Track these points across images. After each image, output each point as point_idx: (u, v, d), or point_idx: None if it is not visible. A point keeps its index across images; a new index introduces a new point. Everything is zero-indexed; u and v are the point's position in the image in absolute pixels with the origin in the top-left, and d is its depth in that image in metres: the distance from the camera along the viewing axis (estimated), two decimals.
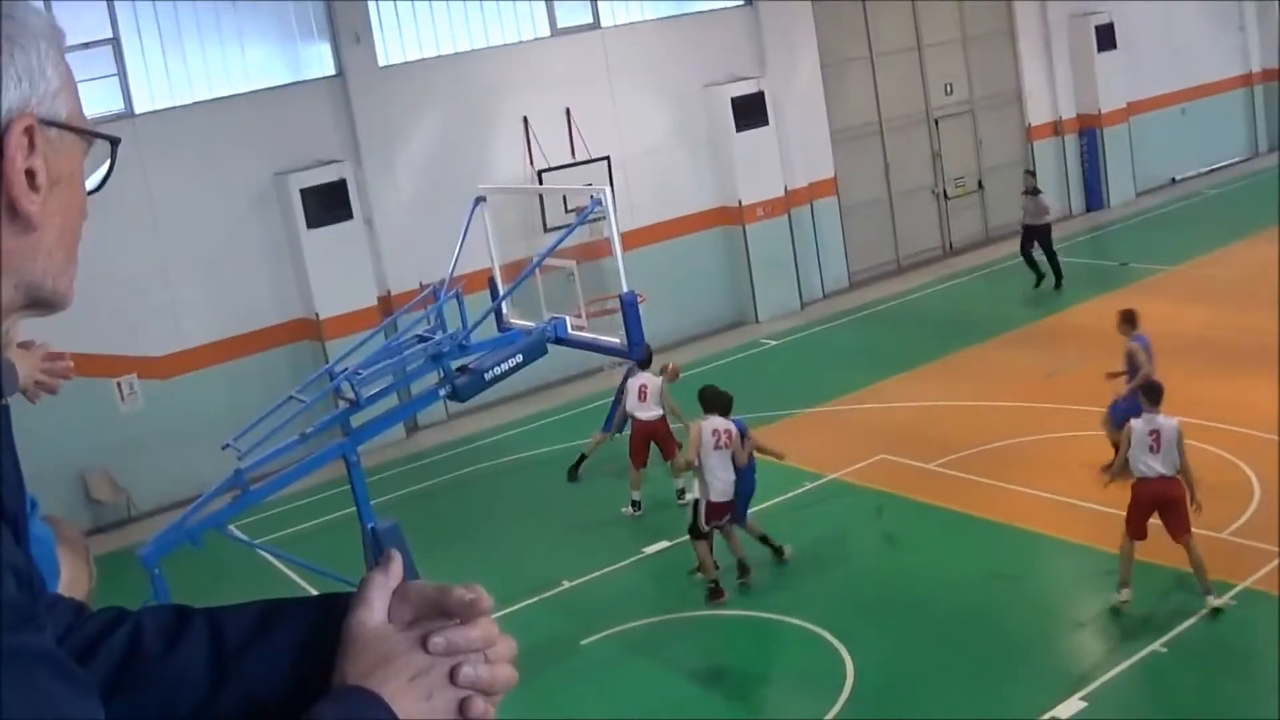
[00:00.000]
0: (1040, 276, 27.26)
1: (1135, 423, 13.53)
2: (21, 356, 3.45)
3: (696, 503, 15.53)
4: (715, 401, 15.55)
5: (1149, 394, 13.77)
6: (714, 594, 15.27)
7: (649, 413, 17.92)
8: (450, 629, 1.66)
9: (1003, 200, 32.97)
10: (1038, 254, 27.28)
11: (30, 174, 1.52)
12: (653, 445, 18.05)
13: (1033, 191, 27.92)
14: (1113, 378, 16.66)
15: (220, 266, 22.41)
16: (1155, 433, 13.34)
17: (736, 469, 15.22)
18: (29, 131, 1.52)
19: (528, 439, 20.95)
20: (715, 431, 15.19)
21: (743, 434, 15.40)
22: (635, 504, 18.19)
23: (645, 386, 17.92)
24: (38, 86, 1.54)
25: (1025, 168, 30.51)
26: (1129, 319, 16.85)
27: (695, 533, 15.47)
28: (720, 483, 15.15)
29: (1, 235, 1.51)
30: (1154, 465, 13.34)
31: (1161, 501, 13.44)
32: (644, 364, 17.90)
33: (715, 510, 15.25)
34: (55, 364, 3.64)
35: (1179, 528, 13.37)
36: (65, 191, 1.58)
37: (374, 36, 23.80)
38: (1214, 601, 13.36)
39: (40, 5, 1.58)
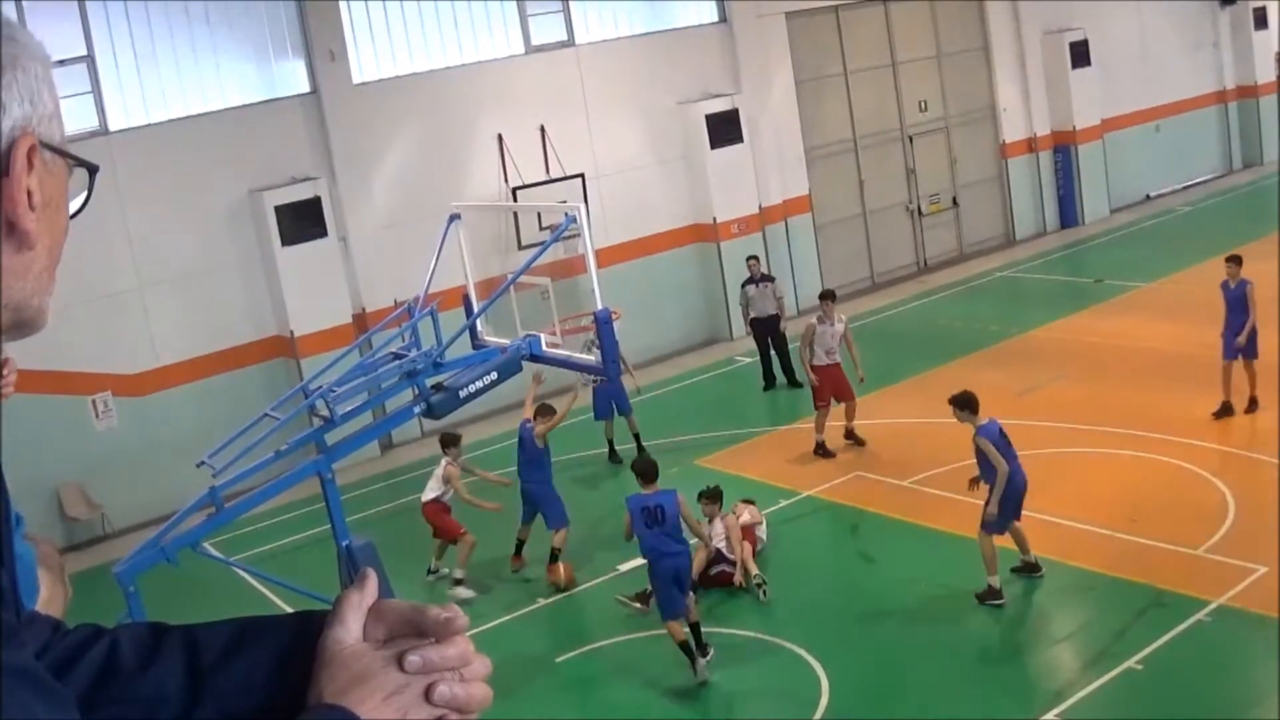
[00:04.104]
0: (772, 378, 24.07)
1: None
2: None
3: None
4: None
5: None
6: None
7: (429, 494, 17.14)
8: (425, 647, 1.66)
9: (977, 217, 33.17)
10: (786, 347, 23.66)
11: (28, 194, 1.53)
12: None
13: (761, 279, 24.03)
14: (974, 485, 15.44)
15: (195, 284, 22.35)
16: None
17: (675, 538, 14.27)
18: (30, 152, 1.52)
19: (502, 456, 20.84)
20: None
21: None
22: (431, 571, 17.48)
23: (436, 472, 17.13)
24: (37, 108, 1.55)
25: (749, 255, 25.12)
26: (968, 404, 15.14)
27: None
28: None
29: (1, 253, 1.52)
30: None
31: None
32: (447, 445, 17.21)
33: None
34: None
35: None
36: (53, 213, 1.59)
37: (349, 54, 23.78)
38: None
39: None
